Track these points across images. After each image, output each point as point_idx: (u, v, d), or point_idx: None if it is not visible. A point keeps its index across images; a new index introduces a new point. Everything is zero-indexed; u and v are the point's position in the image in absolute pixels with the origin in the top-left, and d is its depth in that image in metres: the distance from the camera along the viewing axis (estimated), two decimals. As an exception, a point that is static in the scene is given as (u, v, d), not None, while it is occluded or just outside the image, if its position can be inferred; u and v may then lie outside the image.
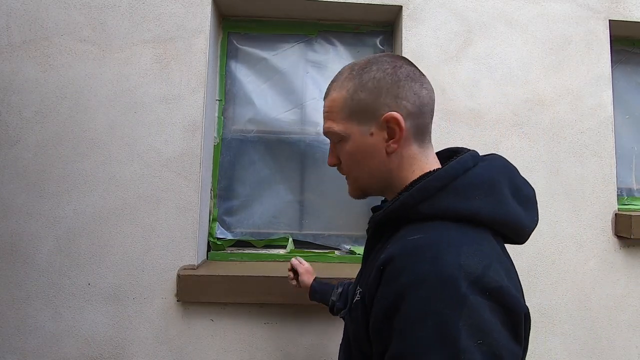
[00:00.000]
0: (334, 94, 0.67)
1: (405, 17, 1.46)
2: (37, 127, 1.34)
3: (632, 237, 1.37)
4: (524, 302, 0.53)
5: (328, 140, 0.87)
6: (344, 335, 0.71)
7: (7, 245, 1.31)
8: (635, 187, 1.65)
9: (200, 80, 1.39)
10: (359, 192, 0.71)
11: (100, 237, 1.33)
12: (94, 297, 1.31)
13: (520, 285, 0.59)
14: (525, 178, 0.68)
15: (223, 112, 1.58)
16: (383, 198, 0.76)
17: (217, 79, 1.57)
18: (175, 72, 1.38)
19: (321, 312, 1.35)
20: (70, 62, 1.36)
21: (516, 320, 0.49)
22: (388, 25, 1.62)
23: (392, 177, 0.65)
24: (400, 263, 0.52)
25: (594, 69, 1.49)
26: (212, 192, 1.53)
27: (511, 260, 0.62)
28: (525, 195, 0.64)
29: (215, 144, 1.55)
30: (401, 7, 1.47)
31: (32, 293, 1.30)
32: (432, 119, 0.66)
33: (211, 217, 1.53)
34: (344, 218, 1.57)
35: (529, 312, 0.52)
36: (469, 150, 0.66)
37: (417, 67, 0.67)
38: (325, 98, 0.70)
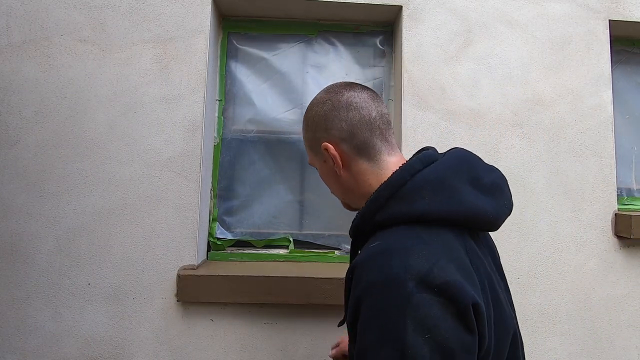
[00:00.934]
0: (303, 125, 0.79)
1: (405, 17, 1.46)
2: (37, 127, 1.34)
3: (632, 237, 1.37)
4: (481, 294, 0.57)
5: None
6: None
7: (7, 245, 1.31)
8: (635, 187, 1.65)
9: (200, 80, 1.39)
10: (345, 206, 0.80)
11: (100, 237, 1.33)
12: (94, 297, 1.31)
13: (486, 277, 0.61)
14: (493, 165, 0.71)
15: (223, 112, 1.58)
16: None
17: (217, 79, 1.57)
18: (175, 72, 1.38)
19: (321, 312, 1.35)
20: (70, 62, 1.36)
21: (464, 311, 0.51)
22: (388, 25, 1.62)
23: (355, 192, 0.72)
24: (360, 270, 0.58)
25: (594, 69, 1.49)
26: (212, 192, 1.53)
27: (487, 249, 0.69)
28: (488, 184, 0.66)
29: (215, 144, 1.56)
30: (401, 7, 1.47)
31: (32, 293, 1.30)
32: (375, 133, 0.70)
33: (211, 217, 1.53)
34: (344, 218, 1.57)
35: (480, 303, 0.54)
36: (428, 150, 0.72)
37: (352, 91, 0.73)
38: None
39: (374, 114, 0.70)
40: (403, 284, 0.51)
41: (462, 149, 0.71)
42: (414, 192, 0.62)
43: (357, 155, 0.70)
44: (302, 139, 1.58)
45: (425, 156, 0.66)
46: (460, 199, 0.62)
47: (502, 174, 0.71)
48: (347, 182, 0.72)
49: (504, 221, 0.69)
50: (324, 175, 0.77)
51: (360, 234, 0.69)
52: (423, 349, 0.49)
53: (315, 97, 0.77)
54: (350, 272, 0.61)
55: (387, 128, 0.72)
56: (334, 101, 0.72)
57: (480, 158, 0.70)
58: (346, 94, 0.72)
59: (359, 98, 0.71)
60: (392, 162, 0.70)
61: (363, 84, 0.78)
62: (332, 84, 0.77)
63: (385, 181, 0.65)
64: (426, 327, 0.49)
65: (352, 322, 0.57)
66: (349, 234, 0.72)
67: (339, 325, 0.85)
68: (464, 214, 0.62)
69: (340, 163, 0.70)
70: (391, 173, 0.66)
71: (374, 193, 0.65)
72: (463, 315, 0.51)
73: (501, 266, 0.75)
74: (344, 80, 0.81)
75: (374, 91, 0.76)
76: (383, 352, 0.50)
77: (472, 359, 0.52)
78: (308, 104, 0.79)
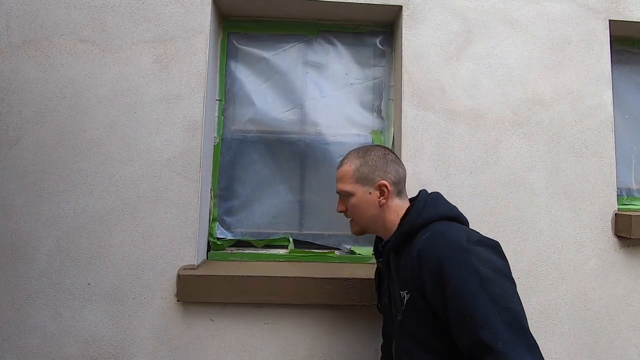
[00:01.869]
0: (346, 167, 1.08)
1: (405, 17, 1.46)
2: (37, 127, 1.34)
3: (632, 237, 1.37)
4: None
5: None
6: (400, 340, 0.98)
7: (7, 245, 1.31)
8: (635, 187, 1.65)
9: (200, 80, 1.39)
10: (360, 231, 1.11)
11: (100, 237, 1.33)
12: (94, 297, 1.31)
13: None
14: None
15: (223, 112, 1.58)
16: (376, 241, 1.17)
17: (217, 79, 1.57)
18: (175, 72, 1.38)
19: (321, 312, 1.35)
20: (70, 62, 1.36)
21: (498, 249, 0.90)
22: (388, 25, 1.62)
23: (383, 220, 1.05)
24: (428, 248, 0.90)
25: (594, 69, 1.49)
26: (212, 192, 1.53)
27: None
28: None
29: (215, 144, 1.56)
30: (401, 7, 1.47)
31: (32, 293, 1.30)
32: (405, 184, 1.10)
33: (211, 217, 1.53)
34: (343, 218, 1.56)
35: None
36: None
37: (396, 156, 1.12)
38: (338, 169, 1.11)
39: (406, 174, 1.11)
40: (467, 244, 0.87)
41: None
42: (434, 202, 1.02)
43: (395, 195, 1.06)
44: (302, 138, 1.58)
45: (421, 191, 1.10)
46: (451, 206, 1.06)
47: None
48: (380, 212, 1.05)
49: None
50: (361, 204, 1.05)
51: (401, 242, 0.99)
52: (489, 272, 0.83)
53: (371, 146, 1.12)
54: (417, 256, 0.91)
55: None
56: (392, 157, 1.09)
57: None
58: (392, 155, 1.10)
59: (400, 163, 1.10)
60: (407, 202, 1.10)
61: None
62: (381, 146, 1.15)
63: (412, 205, 1.04)
64: (484, 260, 0.84)
65: (434, 283, 0.86)
66: (387, 247, 1.02)
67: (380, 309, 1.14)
68: (460, 217, 1.06)
69: (386, 195, 1.04)
70: (407, 205, 1.07)
71: (410, 211, 1.01)
72: (498, 252, 0.89)
73: None
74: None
75: None
76: (471, 283, 0.81)
77: (511, 275, 0.87)
78: (362, 149, 1.10)
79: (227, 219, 1.56)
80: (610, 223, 1.45)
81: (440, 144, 1.43)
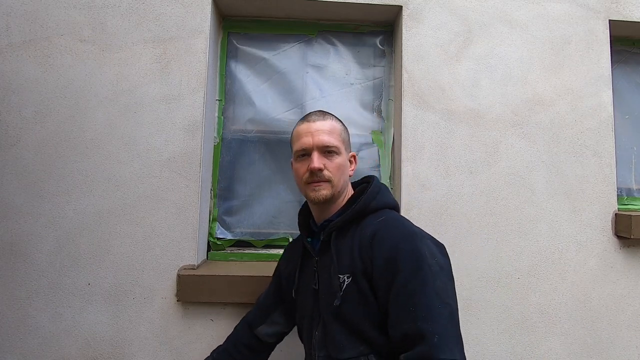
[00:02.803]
0: (334, 123, 1.02)
1: (405, 17, 1.46)
2: (37, 127, 1.34)
3: (632, 237, 1.37)
4: None
5: None
6: (329, 329, 0.92)
7: (7, 245, 1.31)
8: (635, 187, 1.65)
9: (200, 80, 1.39)
10: (330, 195, 0.98)
11: (100, 237, 1.33)
12: (94, 297, 1.31)
13: None
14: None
15: (223, 112, 1.58)
16: (314, 222, 1.07)
17: (217, 79, 1.57)
18: (175, 72, 1.38)
19: (321, 312, 1.35)
20: (70, 62, 1.36)
21: (443, 248, 0.92)
22: (388, 25, 1.62)
23: (344, 192, 1.02)
24: (384, 232, 0.90)
25: (594, 69, 1.49)
26: (212, 192, 1.53)
27: None
28: None
29: (215, 144, 1.55)
30: (401, 7, 1.47)
31: (32, 293, 1.30)
32: None
33: (211, 217, 1.53)
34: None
35: None
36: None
37: None
38: (320, 122, 1.00)
39: None
40: (418, 235, 0.90)
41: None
42: (385, 191, 1.03)
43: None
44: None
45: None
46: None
47: None
48: (347, 181, 1.03)
49: None
50: (343, 164, 1.00)
51: (352, 221, 0.96)
52: (436, 267, 0.84)
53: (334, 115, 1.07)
54: (370, 238, 0.90)
55: None
56: None
57: None
58: None
59: None
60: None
61: None
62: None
63: (365, 188, 1.01)
64: (433, 255, 0.86)
65: (385, 268, 0.86)
66: (332, 227, 0.97)
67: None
68: (399, 209, 1.10)
69: (354, 167, 1.06)
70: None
71: (365, 192, 0.99)
72: (443, 252, 0.91)
73: None
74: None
75: None
76: (421, 274, 0.83)
77: (452, 274, 0.89)
78: (330, 113, 1.06)
79: (227, 219, 1.56)
80: (610, 223, 1.45)
81: (440, 144, 1.43)
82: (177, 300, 1.32)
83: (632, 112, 1.68)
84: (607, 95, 1.49)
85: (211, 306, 1.33)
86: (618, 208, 1.49)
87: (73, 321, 1.31)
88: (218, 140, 1.56)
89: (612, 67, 1.52)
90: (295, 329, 1.14)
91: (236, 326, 1.19)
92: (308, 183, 0.97)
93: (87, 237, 1.32)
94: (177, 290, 1.31)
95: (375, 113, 1.61)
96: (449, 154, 1.42)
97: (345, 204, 1.00)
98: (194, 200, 1.35)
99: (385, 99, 1.61)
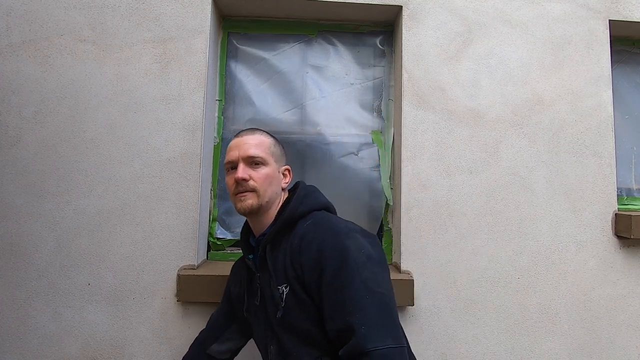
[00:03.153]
0: (262, 137, 1.04)
1: (405, 17, 1.46)
2: (37, 127, 1.34)
3: (632, 237, 1.37)
4: None
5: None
6: (281, 341, 0.93)
7: (7, 245, 1.31)
8: (635, 187, 1.65)
9: (200, 80, 1.39)
10: (257, 205, 0.98)
11: (100, 237, 1.33)
12: (94, 297, 1.31)
13: None
14: None
15: (223, 112, 1.58)
16: (251, 238, 1.09)
17: (217, 79, 1.57)
18: (175, 72, 1.38)
19: (321, 312, 1.35)
20: (70, 62, 1.36)
21: (373, 239, 0.94)
22: (388, 25, 1.62)
23: (275, 204, 1.02)
24: (310, 234, 0.91)
25: (594, 69, 1.49)
26: (212, 192, 1.53)
27: None
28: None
29: (215, 144, 1.56)
30: (401, 7, 1.47)
31: (32, 293, 1.30)
32: None
33: (211, 217, 1.53)
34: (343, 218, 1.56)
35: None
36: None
37: None
38: (248, 136, 1.03)
39: None
40: (346, 231, 0.90)
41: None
42: (313, 193, 1.04)
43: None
44: (302, 139, 1.58)
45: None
46: (327, 200, 1.07)
47: None
48: (279, 193, 1.04)
49: None
50: (271, 174, 1.01)
51: (282, 232, 0.97)
52: (362, 258, 0.86)
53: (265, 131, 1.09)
54: (298, 244, 0.91)
55: None
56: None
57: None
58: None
59: None
60: None
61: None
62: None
63: (292, 195, 1.04)
64: (361, 245, 0.88)
65: (314, 267, 0.87)
66: (267, 238, 0.97)
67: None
68: (332, 207, 1.07)
69: (289, 180, 1.07)
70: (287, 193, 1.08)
71: (292, 198, 1.00)
72: (374, 242, 0.92)
73: None
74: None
75: None
76: (347, 269, 0.84)
77: (385, 263, 0.91)
78: (260, 129, 1.07)
79: (227, 219, 1.56)
80: (610, 223, 1.45)
81: (440, 144, 1.43)
82: (177, 300, 1.32)
83: (632, 112, 1.68)
84: (607, 95, 1.49)
85: (211, 306, 1.33)
86: (618, 208, 1.49)
87: (73, 321, 1.31)
88: (218, 140, 1.56)
89: (612, 67, 1.52)
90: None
91: (190, 346, 1.18)
92: (235, 194, 1.00)
93: (87, 237, 1.32)
94: (177, 290, 1.31)
95: (375, 113, 1.61)
96: (449, 154, 1.42)
97: (276, 215, 1.00)
98: (194, 200, 1.35)
99: (385, 99, 1.61)
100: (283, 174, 1.05)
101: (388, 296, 0.84)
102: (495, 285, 1.40)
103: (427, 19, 1.47)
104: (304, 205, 0.98)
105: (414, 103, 1.44)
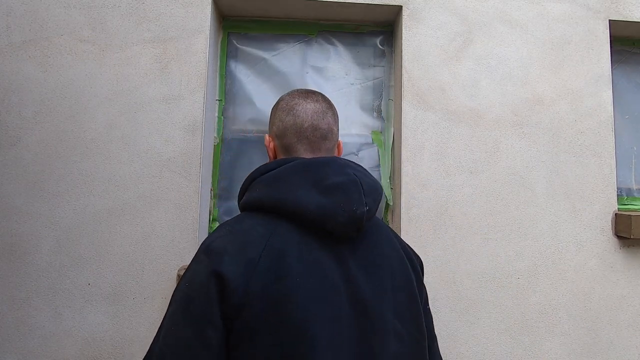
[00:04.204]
0: None
1: (405, 17, 1.46)
2: (37, 127, 1.34)
3: (632, 237, 1.37)
4: (235, 268, 0.64)
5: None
6: None
7: (7, 245, 1.31)
8: (635, 187, 1.65)
9: (200, 80, 1.39)
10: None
11: (100, 237, 1.33)
12: (94, 297, 1.31)
13: (268, 261, 0.65)
14: (357, 169, 0.75)
15: (223, 112, 1.58)
16: None
17: (217, 79, 1.57)
18: (175, 72, 1.38)
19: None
20: (70, 62, 1.36)
21: (210, 273, 0.64)
22: (388, 25, 1.62)
23: None
24: None
25: (594, 69, 1.49)
26: (212, 192, 1.53)
27: (362, 260, 0.71)
28: (329, 184, 0.70)
29: (215, 144, 1.56)
30: (401, 7, 1.47)
31: (32, 293, 1.30)
32: (302, 141, 0.79)
33: (211, 217, 1.53)
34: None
35: (224, 275, 0.63)
36: (299, 158, 0.76)
37: (303, 99, 0.81)
38: None
39: (306, 125, 0.79)
40: (200, 248, 0.69)
41: (321, 157, 0.75)
42: (255, 185, 0.75)
43: (282, 151, 0.81)
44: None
45: (283, 160, 0.75)
46: (289, 194, 0.69)
47: (357, 178, 0.72)
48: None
49: (349, 223, 0.69)
50: (267, 151, 0.86)
51: None
52: (181, 284, 0.67)
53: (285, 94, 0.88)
54: None
55: (318, 140, 0.79)
56: (283, 103, 0.83)
57: (344, 162, 0.75)
58: (296, 100, 0.81)
59: (303, 107, 0.80)
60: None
61: (325, 97, 0.85)
62: (302, 89, 0.86)
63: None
64: (190, 274, 0.67)
65: None
66: None
67: None
68: (288, 205, 0.68)
69: (270, 154, 0.84)
70: None
71: (240, 189, 0.79)
72: (200, 261, 0.67)
73: (405, 289, 0.75)
74: (312, 89, 0.88)
75: (327, 107, 0.82)
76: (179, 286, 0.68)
77: (204, 326, 0.61)
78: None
79: (227, 219, 1.55)
80: (610, 223, 1.45)
81: (440, 144, 1.43)
82: (177, 300, 1.32)
83: (632, 112, 1.68)
84: (607, 95, 1.49)
85: (211, 306, 1.33)
86: (618, 208, 1.49)
87: (73, 321, 1.31)
88: (218, 140, 1.56)
89: (612, 67, 1.52)
90: None
91: None
92: None
93: (87, 237, 1.32)
94: (177, 290, 1.31)
95: (375, 113, 1.61)
96: (449, 154, 1.42)
97: None
98: (194, 200, 1.35)
99: (385, 99, 1.61)
100: (266, 146, 0.85)
101: (181, 300, 0.65)
102: (495, 285, 1.40)
103: (427, 19, 1.47)
104: (241, 199, 0.78)
105: (414, 103, 1.44)
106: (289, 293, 0.63)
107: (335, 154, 0.84)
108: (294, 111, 0.80)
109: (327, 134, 0.80)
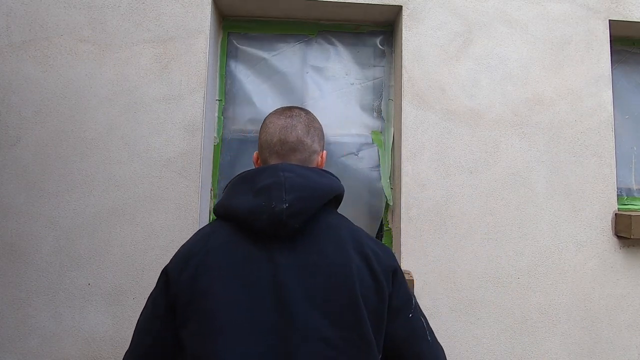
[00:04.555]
0: None
1: (405, 17, 1.46)
2: (37, 127, 1.34)
3: (632, 237, 1.37)
4: (183, 278, 0.74)
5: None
6: None
7: (7, 245, 1.31)
8: (635, 187, 1.65)
9: (200, 80, 1.39)
10: None
11: (100, 237, 1.33)
12: (94, 297, 1.31)
13: (207, 269, 0.74)
14: (290, 171, 0.77)
15: (223, 112, 1.58)
16: None
17: (217, 79, 1.57)
18: (175, 72, 1.38)
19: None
20: (70, 62, 1.36)
21: (164, 271, 0.78)
22: (388, 25, 1.62)
23: None
24: None
25: (594, 69, 1.49)
26: (212, 192, 1.53)
27: (295, 260, 0.73)
28: (259, 187, 0.76)
29: (215, 144, 1.56)
30: (401, 7, 1.47)
31: (32, 293, 1.30)
32: (272, 155, 0.85)
33: (211, 217, 1.53)
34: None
35: (169, 272, 0.76)
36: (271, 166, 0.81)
37: (276, 116, 0.89)
38: None
39: (275, 140, 0.85)
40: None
41: (265, 166, 0.81)
42: (230, 189, 0.82)
43: (262, 163, 0.88)
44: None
45: (257, 168, 0.83)
46: (232, 199, 0.78)
47: (284, 179, 0.75)
48: None
49: (271, 220, 0.72)
50: None
51: None
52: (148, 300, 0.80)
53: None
54: None
55: (287, 153, 0.84)
56: (263, 122, 0.91)
57: (284, 167, 0.78)
58: (271, 118, 0.89)
59: (274, 124, 0.87)
60: None
61: (303, 113, 0.90)
62: (285, 107, 0.94)
63: None
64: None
65: None
66: None
67: None
68: (228, 210, 0.77)
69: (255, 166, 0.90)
70: None
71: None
72: (162, 273, 0.78)
73: (345, 295, 0.73)
74: (296, 106, 0.94)
75: (300, 121, 0.87)
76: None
77: (155, 309, 0.77)
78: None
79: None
80: (610, 223, 1.45)
81: (440, 144, 1.43)
82: (177, 300, 1.32)
83: (632, 112, 1.68)
84: (607, 95, 1.49)
85: (211, 306, 1.33)
86: (618, 208, 1.49)
87: (73, 321, 1.31)
88: (218, 140, 1.56)
89: (612, 67, 1.52)
90: None
91: None
92: None
93: (87, 237, 1.32)
94: (177, 290, 1.31)
95: (375, 113, 1.61)
96: (449, 154, 1.42)
97: None
98: (194, 200, 1.35)
99: (385, 99, 1.61)
100: (253, 159, 0.94)
101: (142, 320, 0.80)
102: (495, 285, 1.40)
103: (427, 19, 1.47)
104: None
105: (414, 103, 1.44)
106: (207, 286, 0.71)
107: (313, 165, 0.87)
108: (266, 128, 0.88)
109: (296, 146, 0.84)
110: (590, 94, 1.48)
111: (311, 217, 0.75)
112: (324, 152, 0.91)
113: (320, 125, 0.92)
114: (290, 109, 0.90)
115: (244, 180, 0.80)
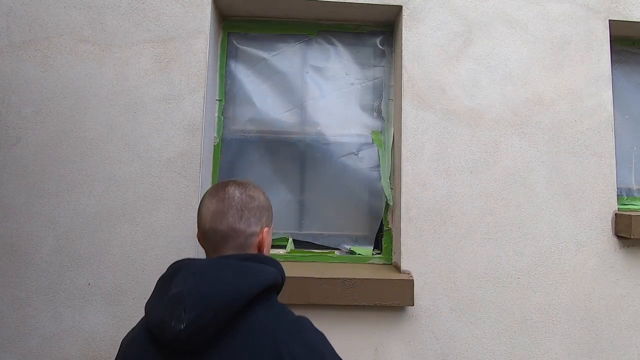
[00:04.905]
0: None
1: (405, 17, 1.46)
2: (37, 127, 1.34)
3: (632, 237, 1.37)
4: None
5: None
6: None
7: (7, 245, 1.31)
8: (635, 187, 1.65)
9: (200, 80, 1.39)
10: None
11: (100, 237, 1.33)
12: (94, 297, 1.31)
13: None
14: (206, 273, 0.71)
15: (223, 112, 1.58)
16: None
17: (217, 79, 1.57)
18: (175, 72, 1.38)
19: (320, 312, 1.35)
20: (70, 62, 1.36)
21: None
22: (388, 25, 1.62)
23: None
24: None
25: (594, 69, 1.49)
26: (212, 192, 1.53)
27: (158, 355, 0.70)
28: (169, 297, 0.69)
29: (215, 144, 1.56)
30: (401, 7, 1.47)
31: (32, 293, 1.30)
32: (204, 240, 0.80)
33: (211, 217, 1.53)
34: (343, 218, 1.57)
35: None
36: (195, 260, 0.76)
37: (209, 197, 0.81)
38: None
39: (207, 227, 0.79)
40: None
41: (180, 264, 0.75)
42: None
43: (208, 253, 0.82)
44: (302, 139, 1.59)
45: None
46: (149, 302, 0.74)
47: (185, 291, 0.68)
48: None
49: (174, 339, 0.66)
50: None
51: None
52: None
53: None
54: None
55: (218, 242, 0.78)
56: (205, 199, 0.82)
57: (195, 270, 0.71)
58: (204, 200, 0.82)
59: (206, 208, 0.80)
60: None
61: (240, 189, 0.81)
62: (222, 182, 0.85)
63: None
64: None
65: None
66: None
67: None
68: (145, 313, 0.73)
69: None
70: None
71: None
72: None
73: None
74: (233, 180, 0.86)
75: (232, 205, 0.79)
76: None
77: None
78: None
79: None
80: (610, 223, 1.45)
81: (440, 144, 1.43)
82: (177, 300, 1.32)
83: (632, 112, 1.68)
84: (607, 95, 1.49)
85: (211, 306, 1.33)
86: (618, 208, 1.49)
87: (73, 321, 1.31)
88: (218, 140, 1.56)
89: (612, 67, 1.52)
90: None
91: None
92: None
93: (87, 237, 1.32)
94: (177, 290, 1.31)
95: (375, 113, 1.61)
96: (449, 154, 1.42)
97: None
98: (194, 200, 1.35)
99: (385, 99, 1.61)
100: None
101: None
102: (495, 285, 1.40)
103: (427, 18, 1.47)
104: None
105: (414, 103, 1.44)
106: None
107: (252, 248, 0.81)
108: (200, 211, 0.82)
109: (228, 235, 0.78)
110: (590, 94, 1.48)
111: (228, 322, 0.68)
112: (266, 228, 0.83)
113: (262, 199, 0.83)
114: (224, 188, 0.81)
115: (164, 282, 0.74)
